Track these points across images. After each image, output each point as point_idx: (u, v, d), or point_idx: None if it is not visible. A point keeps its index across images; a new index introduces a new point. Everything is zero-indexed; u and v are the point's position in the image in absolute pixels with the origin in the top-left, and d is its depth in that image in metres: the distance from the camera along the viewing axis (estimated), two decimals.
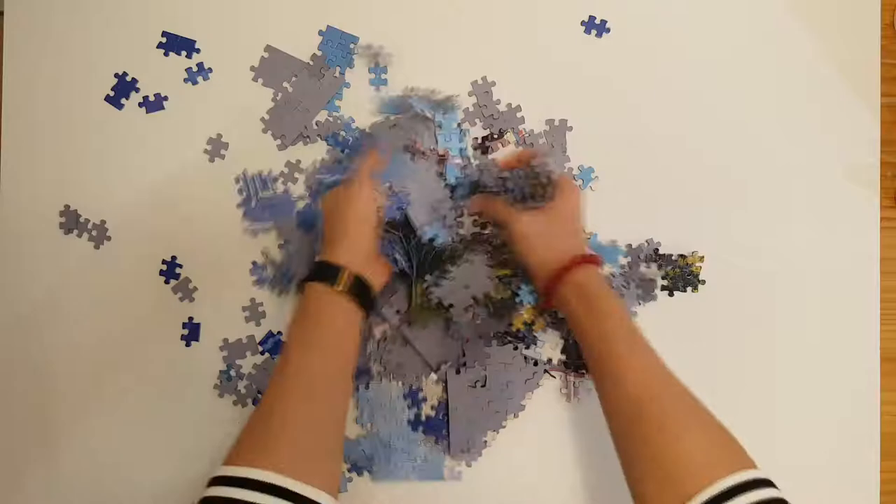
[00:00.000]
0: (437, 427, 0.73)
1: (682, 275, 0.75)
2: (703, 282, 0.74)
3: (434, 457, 0.73)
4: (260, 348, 0.73)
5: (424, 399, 0.73)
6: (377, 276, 0.67)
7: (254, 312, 0.73)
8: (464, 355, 0.73)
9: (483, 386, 0.73)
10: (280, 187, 0.74)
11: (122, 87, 0.74)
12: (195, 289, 0.73)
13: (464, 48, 0.75)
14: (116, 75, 0.74)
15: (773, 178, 0.75)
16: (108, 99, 0.74)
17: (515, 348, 0.73)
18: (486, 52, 0.75)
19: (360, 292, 0.64)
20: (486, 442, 0.73)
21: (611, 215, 0.74)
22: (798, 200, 0.75)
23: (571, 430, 0.74)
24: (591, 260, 0.66)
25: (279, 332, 0.73)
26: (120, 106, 0.74)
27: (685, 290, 0.75)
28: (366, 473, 0.73)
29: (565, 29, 0.76)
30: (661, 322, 0.72)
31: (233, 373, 0.73)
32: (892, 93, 0.76)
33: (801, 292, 0.75)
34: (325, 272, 0.63)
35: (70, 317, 0.73)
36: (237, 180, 0.74)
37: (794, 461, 0.73)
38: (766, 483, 0.50)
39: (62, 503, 0.72)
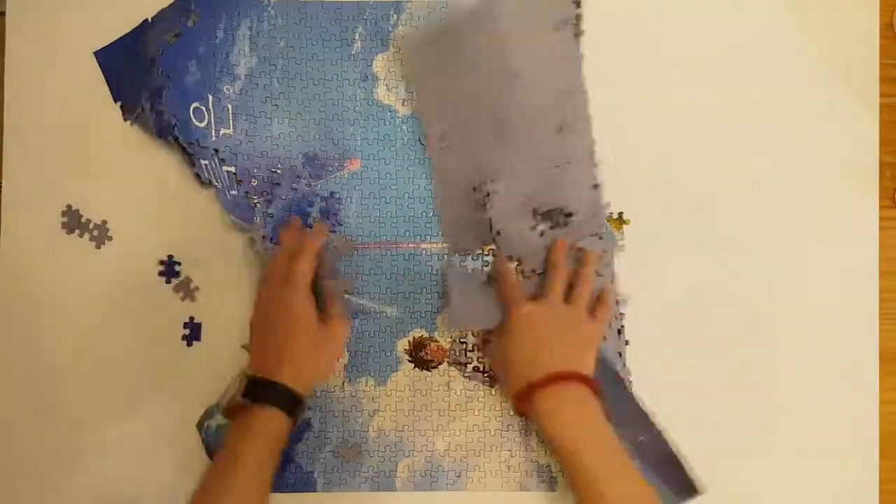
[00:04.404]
0: None
1: None
2: None
3: (386, 467, 0.72)
4: None
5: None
6: (326, 354, 0.67)
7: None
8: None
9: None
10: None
11: None
12: (196, 288, 0.74)
13: None
14: None
15: (772, 178, 0.75)
16: None
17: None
18: None
19: (292, 404, 0.64)
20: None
21: None
22: (797, 200, 0.75)
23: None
24: (577, 379, 0.62)
25: None
26: None
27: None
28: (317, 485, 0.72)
29: None
30: (657, 323, 0.73)
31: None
32: (891, 93, 0.76)
33: (800, 292, 0.74)
34: (258, 391, 0.63)
35: (71, 316, 0.73)
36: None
37: (793, 461, 0.73)
38: None
39: (60, 502, 0.72)
